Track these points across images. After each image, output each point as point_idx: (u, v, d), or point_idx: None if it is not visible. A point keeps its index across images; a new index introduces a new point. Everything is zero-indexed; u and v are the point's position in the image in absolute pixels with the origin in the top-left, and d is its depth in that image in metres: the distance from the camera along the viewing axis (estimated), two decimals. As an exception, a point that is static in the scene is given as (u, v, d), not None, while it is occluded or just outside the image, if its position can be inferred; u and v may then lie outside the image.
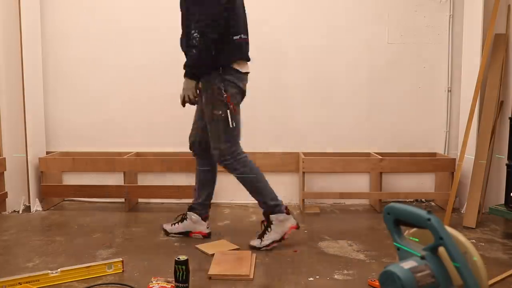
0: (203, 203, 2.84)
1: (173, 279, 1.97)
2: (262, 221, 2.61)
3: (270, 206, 2.56)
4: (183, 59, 3.58)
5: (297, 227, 2.58)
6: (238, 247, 2.56)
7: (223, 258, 2.35)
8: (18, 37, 3.23)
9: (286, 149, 3.64)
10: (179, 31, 3.56)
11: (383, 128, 3.65)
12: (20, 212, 3.33)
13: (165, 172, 3.54)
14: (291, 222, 2.56)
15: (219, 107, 2.53)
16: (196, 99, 2.59)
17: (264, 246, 2.52)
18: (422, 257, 1.34)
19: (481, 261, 1.36)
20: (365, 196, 3.65)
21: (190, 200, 3.55)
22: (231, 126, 2.56)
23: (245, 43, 2.60)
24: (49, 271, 2.07)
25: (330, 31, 3.58)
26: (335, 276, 2.19)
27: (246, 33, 2.60)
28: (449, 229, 1.36)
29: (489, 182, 3.25)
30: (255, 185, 2.61)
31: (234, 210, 3.43)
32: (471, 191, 3.10)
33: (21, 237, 2.78)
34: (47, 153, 3.57)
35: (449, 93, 3.61)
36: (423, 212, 1.33)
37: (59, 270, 2.09)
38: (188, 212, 2.82)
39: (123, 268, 2.23)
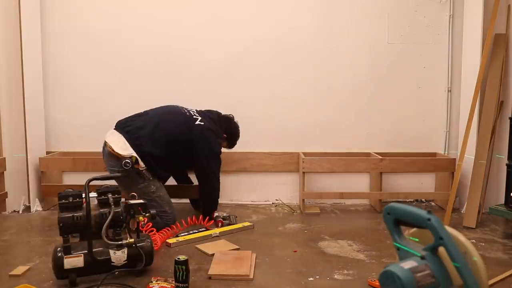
0: None
1: (173, 279, 1.97)
2: None
3: None
4: (182, 59, 3.60)
5: None
6: (238, 247, 2.56)
7: (223, 258, 2.35)
8: (18, 37, 3.23)
9: (286, 149, 3.64)
10: (178, 32, 3.58)
11: (383, 128, 3.65)
12: (20, 212, 3.33)
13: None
14: None
15: None
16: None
17: None
18: (422, 257, 1.34)
19: (481, 261, 1.36)
20: (365, 196, 3.65)
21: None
22: None
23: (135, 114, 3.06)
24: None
25: (330, 31, 3.58)
26: (335, 276, 2.19)
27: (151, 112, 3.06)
28: (449, 229, 1.36)
29: (489, 182, 3.25)
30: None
31: (234, 210, 3.43)
32: (471, 191, 3.10)
33: (21, 237, 2.78)
34: (47, 153, 3.57)
35: (449, 93, 3.61)
36: (423, 212, 1.33)
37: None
38: None
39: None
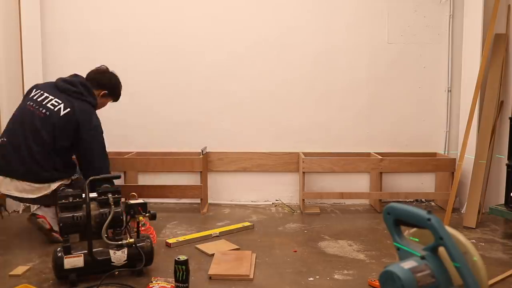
0: None
1: (173, 279, 1.97)
2: None
3: None
4: (182, 59, 3.61)
5: None
6: (238, 247, 2.56)
7: (223, 258, 2.35)
8: (18, 37, 3.23)
9: (286, 149, 3.64)
10: (179, 32, 3.58)
11: (383, 128, 3.65)
12: (20, 212, 3.32)
13: (165, 172, 3.54)
14: None
15: None
16: None
17: None
18: (422, 257, 1.34)
19: (481, 261, 1.36)
20: (365, 196, 3.65)
21: (190, 200, 3.58)
22: None
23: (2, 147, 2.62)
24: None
25: (330, 31, 3.58)
26: (335, 276, 2.19)
27: (12, 137, 2.62)
28: (449, 229, 1.36)
29: (489, 182, 3.25)
30: None
31: (234, 210, 3.43)
32: (471, 191, 3.10)
33: (21, 237, 2.78)
34: (47, 153, 3.56)
35: (449, 93, 3.61)
36: (423, 212, 1.33)
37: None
38: None
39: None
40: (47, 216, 2.65)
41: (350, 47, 3.59)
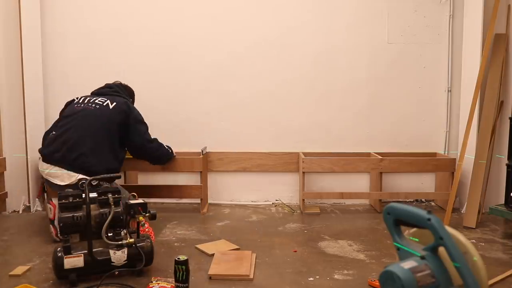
0: None
1: (173, 279, 1.97)
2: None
3: None
4: (182, 59, 3.61)
5: None
6: (238, 247, 2.56)
7: (223, 258, 2.35)
8: (18, 37, 3.23)
9: (286, 149, 3.64)
10: (179, 32, 3.58)
11: (383, 128, 3.65)
12: (20, 212, 3.33)
13: (165, 172, 3.54)
14: None
15: None
16: None
17: None
18: (422, 257, 1.34)
19: (481, 261, 1.36)
20: (365, 196, 3.65)
21: (190, 200, 3.59)
22: None
23: (52, 139, 2.79)
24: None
25: (330, 31, 3.58)
26: (335, 276, 2.19)
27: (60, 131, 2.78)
28: (449, 229, 1.36)
29: (489, 182, 3.25)
30: None
31: (234, 210, 3.43)
32: (471, 191, 3.10)
33: (21, 237, 2.78)
34: (47, 153, 3.56)
35: (449, 93, 3.61)
36: (423, 212, 1.33)
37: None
38: None
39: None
40: (57, 207, 2.65)
41: (350, 47, 3.59)
